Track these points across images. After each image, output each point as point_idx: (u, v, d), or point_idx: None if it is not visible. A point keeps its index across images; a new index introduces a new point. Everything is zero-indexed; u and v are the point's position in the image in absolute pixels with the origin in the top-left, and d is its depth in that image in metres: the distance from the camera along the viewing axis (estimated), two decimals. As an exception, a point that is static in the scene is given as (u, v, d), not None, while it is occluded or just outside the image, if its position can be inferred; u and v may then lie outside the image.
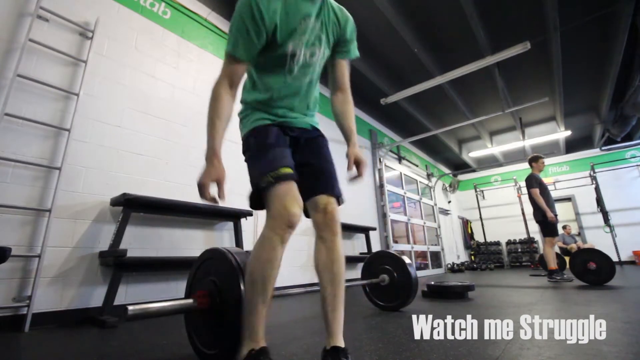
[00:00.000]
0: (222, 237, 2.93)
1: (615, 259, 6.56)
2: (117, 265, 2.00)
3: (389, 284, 2.08)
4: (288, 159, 0.98)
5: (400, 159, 6.98)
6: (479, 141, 7.88)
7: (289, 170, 0.94)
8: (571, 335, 1.31)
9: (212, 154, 0.92)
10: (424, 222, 7.07)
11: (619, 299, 2.30)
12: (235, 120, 1.11)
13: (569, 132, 6.73)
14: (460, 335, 1.37)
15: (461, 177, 10.42)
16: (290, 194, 0.92)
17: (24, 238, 1.86)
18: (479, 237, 9.61)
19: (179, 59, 2.97)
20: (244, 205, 3.01)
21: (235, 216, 2.89)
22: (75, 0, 2.34)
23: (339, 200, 1.05)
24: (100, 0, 2.49)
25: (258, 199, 0.97)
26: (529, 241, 7.92)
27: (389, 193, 5.83)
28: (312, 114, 1.20)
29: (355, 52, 1.17)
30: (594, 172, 7.64)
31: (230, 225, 2.97)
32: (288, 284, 3.34)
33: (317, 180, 1.05)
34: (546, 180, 6.21)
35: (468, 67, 4.00)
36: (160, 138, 2.65)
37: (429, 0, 3.55)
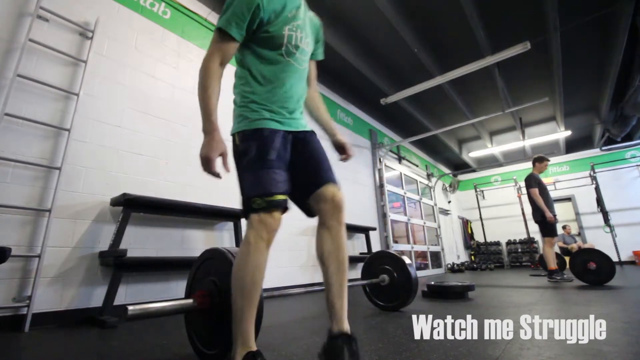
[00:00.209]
0: (222, 237, 2.93)
1: (615, 259, 6.56)
2: (117, 265, 2.00)
3: (389, 284, 2.08)
4: (284, 183, 0.97)
5: (400, 159, 6.98)
6: (479, 141, 7.88)
7: (282, 197, 0.94)
8: (571, 335, 1.31)
9: (213, 127, 0.92)
10: (424, 222, 7.07)
11: (619, 299, 2.30)
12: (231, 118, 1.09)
13: (569, 132, 6.73)
14: (460, 335, 1.37)
15: (461, 177, 10.42)
16: (277, 213, 0.94)
17: (24, 238, 1.86)
18: (479, 237, 9.61)
19: (179, 59, 2.97)
20: (244, 205, 3.02)
21: (235, 216, 2.89)
22: (75, 0, 2.34)
23: None
24: (100, 0, 2.49)
25: (244, 208, 0.96)
26: (529, 241, 7.92)
27: (389, 193, 5.83)
28: (303, 116, 1.18)
29: (322, 54, 1.27)
30: (594, 172, 7.64)
31: (230, 225, 2.97)
32: (288, 284, 3.34)
33: (318, 172, 1.06)
34: (546, 180, 6.22)
35: (468, 67, 4.00)
36: (160, 138, 2.65)
37: (429, 0, 3.56)
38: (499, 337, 1.31)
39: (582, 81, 5.28)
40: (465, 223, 9.86)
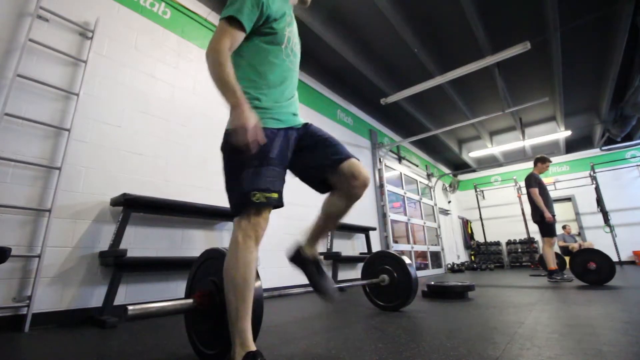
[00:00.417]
0: (222, 237, 2.93)
1: (615, 259, 6.57)
2: (117, 265, 2.00)
3: (389, 284, 2.08)
4: (281, 182, 1.02)
5: (400, 159, 6.98)
6: (479, 141, 7.88)
7: (276, 196, 0.97)
8: (571, 335, 1.31)
9: (242, 101, 0.90)
10: (424, 222, 7.07)
11: (619, 299, 2.30)
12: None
13: (569, 132, 6.73)
14: (460, 335, 1.37)
15: (461, 177, 10.42)
16: (267, 212, 0.98)
17: (24, 238, 1.86)
18: (479, 237, 9.62)
19: (179, 59, 2.97)
20: (244, 205, 3.02)
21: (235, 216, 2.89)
22: (75, 0, 2.34)
23: None
24: (100, 0, 2.49)
25: (239, 202, 0.96)
26: (529, 241, 7.92)
27: (389, 193, 5.83)
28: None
29: None
30: (594, 172, 7.64)
31: (230, 225, 2.97)
32: (288, 284, 3.34)
33: (336, 150, 1.10)
34: (546, 180, 6.22)
35: (468, 67, 4.00)
36: (160, 138, 2.65)
37: (429, 0, 3.55)
38: (499, 337, 1.31)
39: (582, 81, 5.28)
40: (465, 223, 9.86)
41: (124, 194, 2.11)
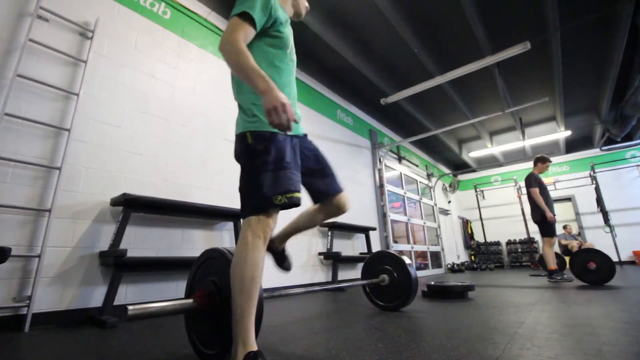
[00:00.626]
0: (222, 237, 2.93)
1: (615, 259, 6.57)
2: (117, 265, 2.00)
3: (389, 284, 2.08)
4: (299, 183, 1.06)
5: (400, 159, 6.98)
6: (479, 141, 7.88)
7: (298, 195, 1.02)
8: (571, 335, 1.31)
9: (272, 84, 0.90)
10: (424, 222, 7.07)
11: (619, 299, 2.30)
12: (232, 122, 1.11)
13: (569, 132, 6.73)
14: (460, 335, 1.37)
15: (461, 177, 10.42)
16: (276, 213, 1.03)
17: (24, 238, 1.86)
18: (479, 237, 9.62)
19: (179, 59, 2.97)
20: (244, 205, 3.02)
21: (235, 216, 2.89)
22: (75, 0, 2.35)
23: None
24: (100, 0, 2.49)
25: (260, 205, 0.99)
26: (529, 241, 7.93)
27: (389, 193, 5.83)
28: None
29: None
30: (594, 172, 7.64)
31: (230, 225, 2.97)
32: (288, 284, 3.34)
33: (330, 180, 1.28)
34: (546, 180, 6.22)
35: (468, 67, 4.00)
36: (160, 138, 2.65)
37: (429, 0, 3.55)
38: (499, 337, 1.31)
39: (582, 81, 5.28)
40: (465, 223, 9.86)
41: (124, 194, 2.11)
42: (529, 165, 8.45)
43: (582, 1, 3.56)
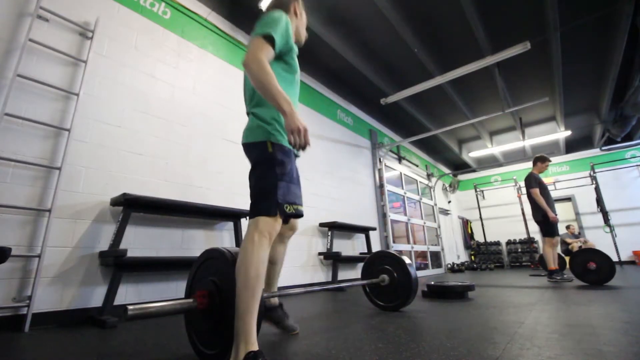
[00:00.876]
0: (222, 237, 2.93)
1: (615, 259, 6.57)
2: (117, 265, 2.00)
3: (389, 284, 2.08)
4: (301, 198, 1.20)
5: (400, 159, 6.98)
6: (479, 141, 7.88)
7: (302, 209, 1.16)
8: (571, 335, 1.31)
9: (294, 108, 1.01)
10: (424, 222, 7.07)
11: (619, 299, 2.30)
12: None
13: (569, 132, 6.73)
14: (460, 335, 1.37)
15: (461, 177, 10.43)
16: (281, 219, 1.10)
17: (24, 238, 1.86)
18: (479, 237, 9.62)
19: (179, 59, 2.98)
20: (244, 205, 3.02)
21: (235, 216, 2.89)
22: (75, 0, 2.35)
23: None
24: (100, 0, 2.49)
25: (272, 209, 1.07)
26: (529, 241, 7.93)
27: (389, 193, 5.83)
28: None
29: None
30: (594, 172, 7.64)
31: (230, 225, 2.97)
32: (288, 284, 3.34)
33: None
34: (546, 180, 6.22)
35: (468, 67, 4.00)
36: (160, 138, 2.65)
37: (429, 0, 3.56)
38: (499, 337, 1.31)
39: (582, 81, 5.28)
40: (465, 223, 9.86)
41: (124, 194, 2.11)
42: (529, 165, 8.45)
43: (582, 1, 3.56)
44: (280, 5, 1.32)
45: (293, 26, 1.32)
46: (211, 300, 1.06)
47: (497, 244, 9.33)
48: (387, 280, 2.09)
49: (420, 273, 6.22)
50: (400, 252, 2.33)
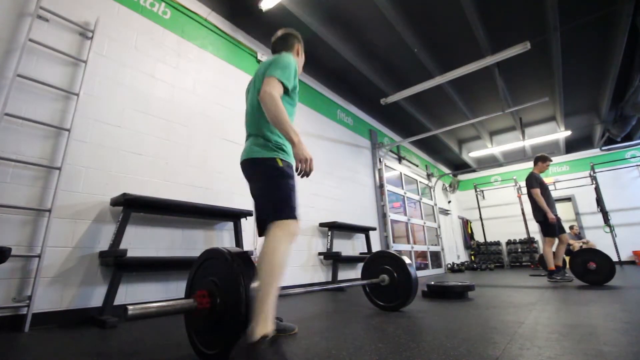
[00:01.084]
0: (222, 237, 2.93)
1: (615, 259, 6.57)
2: (117, 265, 2.00)
3: (389, 284, 2.08)
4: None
5: (400, 159, 6.98)
6: (479, 141, 7.88)
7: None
8: (571, 335, 1.31)
9: (300, 139, 1.22)
10: (424, 222, 7.07)
11: (619, 299, 2.30)
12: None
13: (569, 132, 6.73)
14: (460, 335, 1.37)
15: (461, 177, 10.42)
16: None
17: (24, 238, 1.86)
18: (479, 237, 9.62)
19: (179, 59, 2.97)
20: (244, 205, 3.02)
21: (235, 216, 2.89)
22: (75, 0, 2.35)
23: None
24: (100, 0, 2.49)
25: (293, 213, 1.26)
26: (529, 241, 7.92)
27: (389, 193, 5.83)
28: None
29: None
30: (594, 172, 7.64)
31: (230, 225, 2.97)
32: (288, 284, 3.34)
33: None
34: (546, 180, 6.19)
35: (468, 67, 4.00)
36: (160, 138, 2.65)
37: (429, 0, 3.55)
38: (499, 337, 1.31)
39: (582, 81, 5.28)
40: (465, 223, 9.86)
41: (124, 194, 2.11)
42: (529, 165, 8.45)
43: (582, 1, 3.56)
44: (288, 47, 1.59)
45: (298, 66, 1.51)
46: (211, 300, 1.06)
47: (497, 244, 9.33)
48: (387, 280, 2.09)
49: (420, 273, 6.21)
50: (400, 252, 2.33)
